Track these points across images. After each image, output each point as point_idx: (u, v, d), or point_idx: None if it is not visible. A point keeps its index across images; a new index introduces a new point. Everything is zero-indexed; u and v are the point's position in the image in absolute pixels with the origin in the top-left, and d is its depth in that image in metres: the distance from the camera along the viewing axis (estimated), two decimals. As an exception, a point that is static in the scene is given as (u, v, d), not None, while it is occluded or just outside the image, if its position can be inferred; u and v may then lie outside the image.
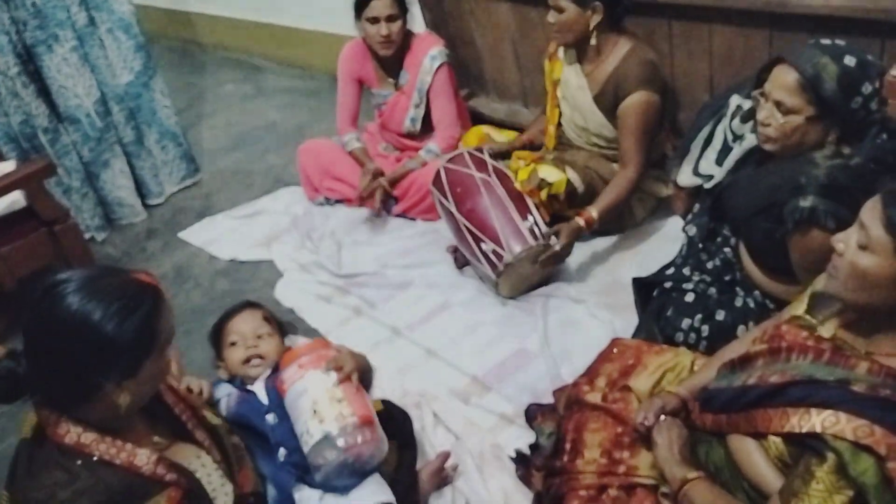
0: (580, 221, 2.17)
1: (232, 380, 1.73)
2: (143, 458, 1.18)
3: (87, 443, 1.15)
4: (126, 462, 1.16)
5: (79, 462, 1.14)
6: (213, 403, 1.61)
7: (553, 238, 2.16)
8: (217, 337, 1.81)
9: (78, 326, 1.10)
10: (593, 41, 2.21)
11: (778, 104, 1.58)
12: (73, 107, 2.81)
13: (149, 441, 1.25)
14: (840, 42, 1.57)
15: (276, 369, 1.68)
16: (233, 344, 1.75)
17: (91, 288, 1.12)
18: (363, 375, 1.69)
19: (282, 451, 1.54)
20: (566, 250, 2.16)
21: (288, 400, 1.55)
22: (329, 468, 1.48)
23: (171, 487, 1.19)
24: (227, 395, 1.66)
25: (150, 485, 1.17)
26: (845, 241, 1.19)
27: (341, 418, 1.49)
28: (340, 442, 1.47)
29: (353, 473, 1.51)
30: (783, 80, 1.56)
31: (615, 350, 1.72)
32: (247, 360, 1.71)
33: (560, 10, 2.18)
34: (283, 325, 1.89)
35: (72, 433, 1.15)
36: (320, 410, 1.49)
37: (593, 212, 2.18)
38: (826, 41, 1.57)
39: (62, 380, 1.14)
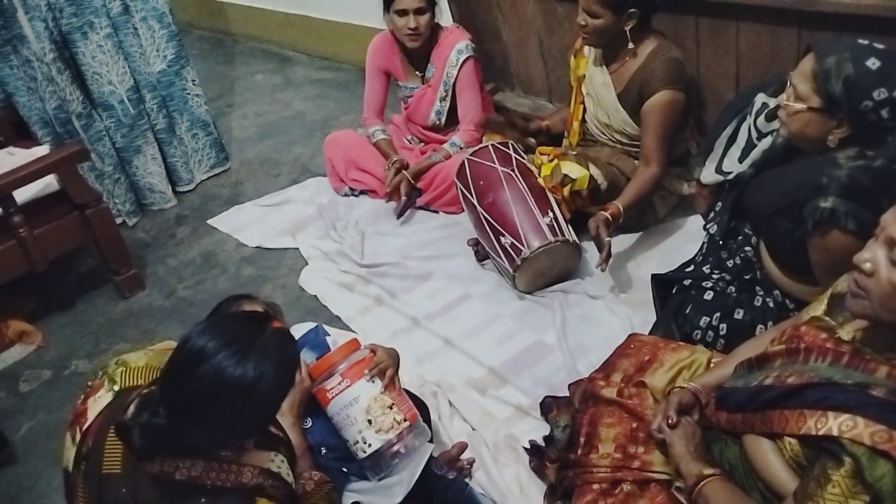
0: (606, 215, 2.17)
1: None
2: (248, 475, 1.18)
3: (198, 475, 1.14)
4: (235, 483, 1.17)
5: (203, 500, 1.14)
6: None
7: (571, 235, 2.16)
8: None
9: (249, 392, 1.10)
10: (630, 45, 2.21)
11: (794, 89, 1.59)
12: (106, 93, 2.87)
13: (225, 456, 1.22)
14: (879, 45, 1.54)
15: None
16: None
17: (255, 353, 1.11)
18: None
19: (322, 450, 1.59)
20: (606, 241, 2.11)
21: (333, 408, 1.58)
22: (388, 468, 1.57)
23: (265, 491, 1.20)
24: None
25: (251, 496, 1.18)
26: (873, 260, 1.13)
27: (396, 426, 1.56)
28: (400, 447, 1.56)
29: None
30: (803, 66, 1.57)
31: (632, 346, 1.73)
32: None
33: (595, 16, 2.15)
34: (275, 308, 1.85)
35: (181, 469, 1.13)
36: (375, 420, 1.55)
37: (619, 205, 2.19)
38: (863, 41, 1.55)
39: (216, 436, 1.15)
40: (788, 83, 1.62)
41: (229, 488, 1.16)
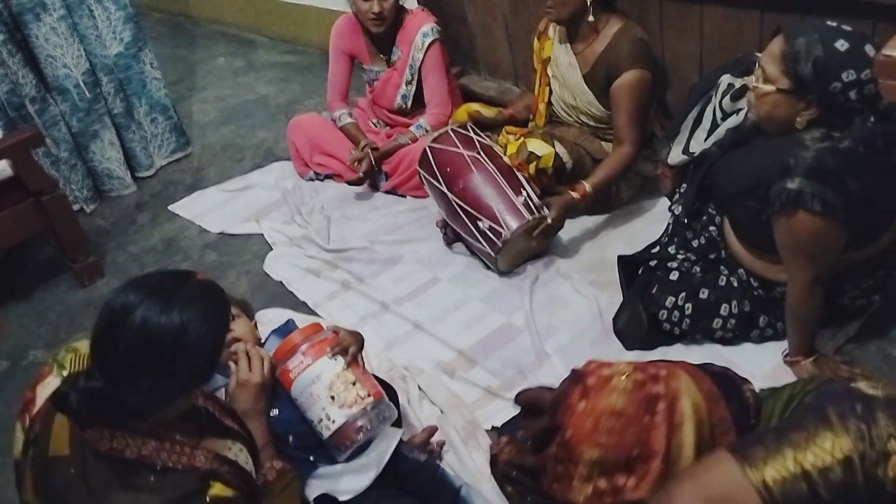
0: (574, 194, 2.17)
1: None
2: (202, 459, 1.17)
3: (149, 454, 1.13)
4: (187, 465, 1.15)
5: (152, 478, 1.12)
6: None
7: (545, 210, 2.17)
8: None
9: (178, 340, 1.09)
10: (591, 17, 2.20)
11: (762, 70, 1.60)
12: (61, 77, 2.79)
13: (179, 439, 1.21)
14: (847, 27, 1.55)
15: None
16: None
17: (179, 300, 1.10)
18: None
19: (290, 439, 1.56)
20: (558, 223, 2.17)
21: (296, 388, 1.56)
22: (354, 447, 1.54)
23: (220, 476, 1.18)
24: (219, 388, 1.62)
25: (205, 481, 1.17)
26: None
27: (360, 400, 1.54)
28: (364, 421, 1.53)
29: (368, 441, 1.58)
30: (772, 48, 1.58)
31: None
32: (227, 345, 1.63)
33: None
34: (245, 305, 1.82)
35: (131, 446, 1.12)
36: (338, 396, 1.53)
37: (587, 185, 2.19)
38: (832, 23, 1.56)
39: (154, 393, 1.12)
40: (757, 65, 1.63)
41: (181, 470, 1.14)
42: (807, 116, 1.57)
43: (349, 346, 1.60)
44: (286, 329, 1.70)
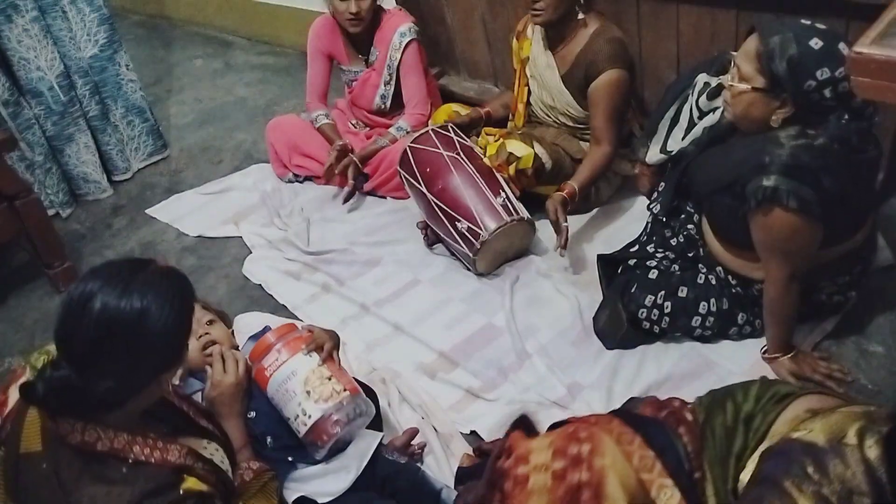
0: (563, 194, 2.17)
1: (193, 373, 1.67)
2: (175, 454, 1.17)
3: (121, 447, 1.13)
4: (160, 460, 1.15)
5: (123, 470, 1.12)
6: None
7: (524, 212, 2.17)
8: None
9: (139, 324, 1.10)
10: (581, 16, 2.21)
11: (738, 69, 1.60)
12: (35, 79, 2.75)
13: (152, 436, 1.21)
14: (821, 25, 1.56)
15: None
16: None
17: (138, 285, 1.11)
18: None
19: (268, 440, 1.56)
20: (565, 222, 2.12)
21: (272, 386, 1.56)
22: (330, 443, 1.53)
23: (194, 471, 1.18)
24: (196, 391, 1.62)
25: (178, 475, 1.16)
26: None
27: (335, 395, 1.53)
28: (340, 416, 1.53)
29: (346, 441, 1.57)
30: (747, 47, 1.59)
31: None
32: (204, 348, 1.65)
33: None
34: (223, 314, 1.82)
35: (103, 439, 1.12)
36: (314, 390, 1.53)
37: (574, 184, 2.19)
38: (806, 21, 1.57)
39: (121, 380, 1.11)
40: (732, 64, 1.64)
41: (153, 463, 1.14)
42: (782, 115, 1.58)
43: (324, 343, 1.60)
44: (262, 334, 1.69)
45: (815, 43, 1.52)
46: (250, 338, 1.72)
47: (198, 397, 1.59)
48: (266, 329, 1.73)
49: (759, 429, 1.16)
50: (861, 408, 1.07)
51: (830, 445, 0.99)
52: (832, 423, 1.03)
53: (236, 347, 1.69)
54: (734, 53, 1.64)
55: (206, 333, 1.67)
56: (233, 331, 1.77)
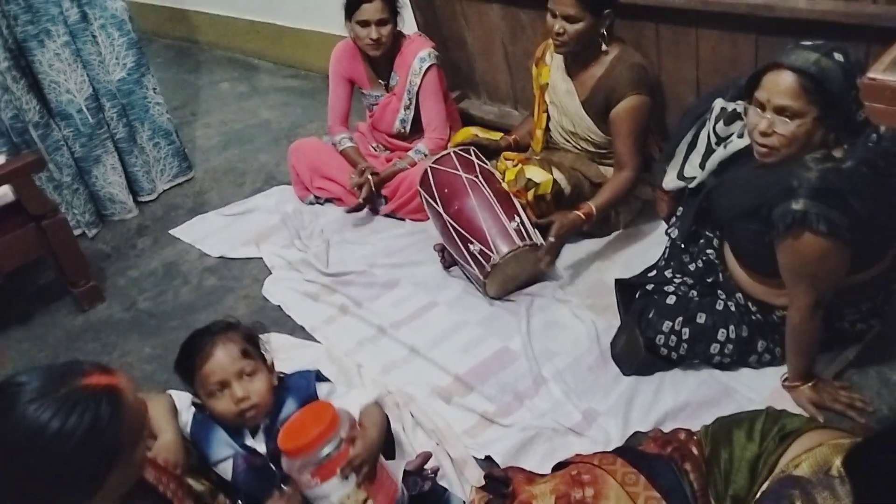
0: (579, 213, 2.17)
1: (221, 422, 1.54)
2: None
3: None
4: None
5: None
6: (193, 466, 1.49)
7: (538, 237, 2.17)
8: (189, 378, 1.53)
9: (31, 448, 0.99)
10: (605, 48, 2.21)
11: (781, 110, 1.53)
12: (64, 102, 2.82)
13: None
14: (819, 41, 1.55)
15: (275, 417, 1.54)
16: (214, 393, 1.50)
17: (53, 396, 1.01)
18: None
19: None
20: (564, 239, 2.13)
21: (307, 493, 1.47)
22: None
23: None
24: (228, 456, 1.52)
25: None
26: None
27: None
28: None
29: None
30: (784, 84, 1.51)
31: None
32: (241, 414, 1.50)
33: (572, 20, 2.12)
34: (263, 350, 1.60)
35: None
36: None
37: (592, 205, 2.19)
38: (808, 42, 1.55)
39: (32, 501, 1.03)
40: (761, 111, 1.56)
41: None
42: (818, 138, 1.56)
43: (363, 464, 1.45)
44: (305, 385, 1.59)
45: (839, 56, 1.51)
46: (292, 392, 1.58)
47: (226, 466, 1.52)
48: (311, 383, 1.60)
49: (762, 472, 1.15)
50: (850, 440, 1.05)
51: (816, 478, 0.98)
52: (818, 457, 1.03)
53: (278, 380, 1.59)
54: (765, 102, 1.56)
55: (246, 397, 1.50)
56: (272, 362, 1.61)
